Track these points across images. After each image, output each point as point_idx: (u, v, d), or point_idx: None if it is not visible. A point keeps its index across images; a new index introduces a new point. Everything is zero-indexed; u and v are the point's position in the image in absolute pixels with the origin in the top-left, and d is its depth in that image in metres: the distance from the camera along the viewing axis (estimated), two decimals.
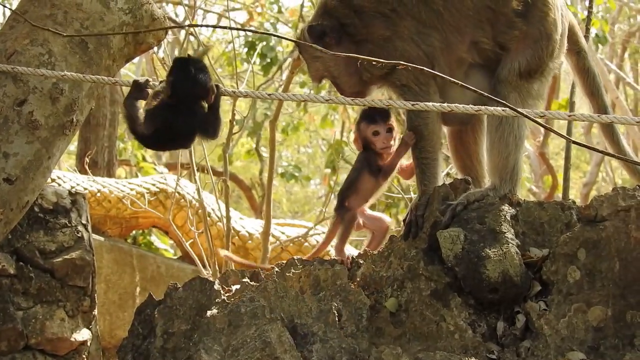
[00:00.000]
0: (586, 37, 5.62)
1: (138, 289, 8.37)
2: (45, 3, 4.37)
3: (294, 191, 25.69)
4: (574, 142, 3.36)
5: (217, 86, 4.12)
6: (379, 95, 4.62)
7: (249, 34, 13.29)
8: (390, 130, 4.54)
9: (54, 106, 4.25)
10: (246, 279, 4.33)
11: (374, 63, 3.41)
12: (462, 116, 4.61)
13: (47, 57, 4.28)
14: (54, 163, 4.41)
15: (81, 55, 4.35)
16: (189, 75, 4.05)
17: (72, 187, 8.15)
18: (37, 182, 4.29)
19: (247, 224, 9.11)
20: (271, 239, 8.11)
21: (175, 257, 9.73)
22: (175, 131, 4.09)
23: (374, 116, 4.54)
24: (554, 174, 13.52)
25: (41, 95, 4.22)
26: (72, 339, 4.80)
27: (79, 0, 4.41)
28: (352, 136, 4.79)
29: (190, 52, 19.22)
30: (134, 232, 9.73)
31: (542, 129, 14.32)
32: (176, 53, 19.81)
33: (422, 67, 3.54)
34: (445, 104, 3.61)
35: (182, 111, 4.05)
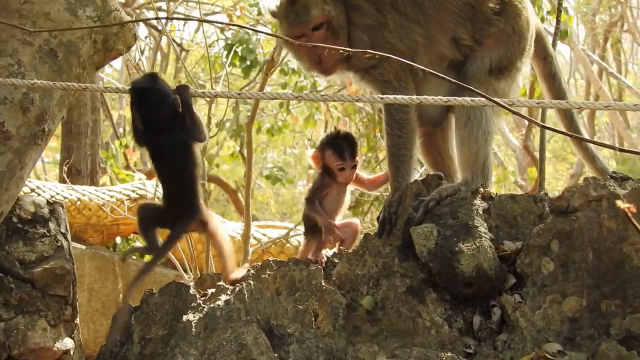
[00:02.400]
0: (557, 29, 5.65)
1: (121, 296, 8.31)
2: (13, 13, 4.35)
3: (281, 193, 25.65)
4: (546, 127, 3.37)
5: (186, 86, 4.16)
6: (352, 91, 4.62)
7: (229, 37, 13.26)
8: (354, 166, 4.57)
9: (25, 116, 4.24)
10: (221, 283, 4.33)
11: (364, 55, 3.42)
12: (436, 117, 4.64)
13: (16, 67, 4.26)
14: (27, 173, 4.40)
15: (51, 65, 4.34)
16: (148, 100, 4.14)
17: (52, 197, 8.11)
18: (10, 192, 4.28)
19: (228, 227, 9.07)
20: (253, 241, 8.09)
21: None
22: (165, 149, 4.17)
23: (343, 152, 4.53)
24: (537, 166, 13.52)
25: (12, 105, 4.21)
26: (55, 349, 4.77)
27: (47, 10, 4.40)
28: (312, 153, 4.67)
29: (173, 56, 19.23)
30: (118, 239, 9.68)
31: (525, 122, 14.34)
32: (159, 58, 19.83)
33: (388, 55, 3.47)
34: (414, 97, 3.62)
35: (161, 130, 4.17)
